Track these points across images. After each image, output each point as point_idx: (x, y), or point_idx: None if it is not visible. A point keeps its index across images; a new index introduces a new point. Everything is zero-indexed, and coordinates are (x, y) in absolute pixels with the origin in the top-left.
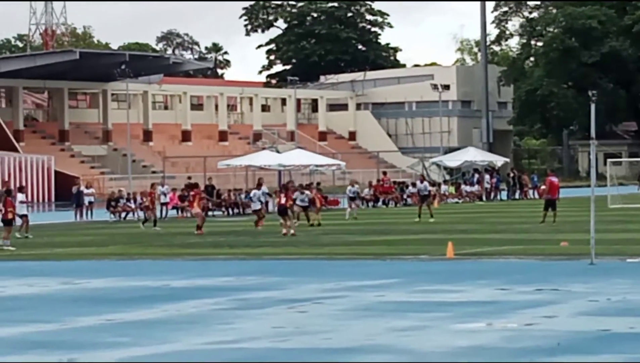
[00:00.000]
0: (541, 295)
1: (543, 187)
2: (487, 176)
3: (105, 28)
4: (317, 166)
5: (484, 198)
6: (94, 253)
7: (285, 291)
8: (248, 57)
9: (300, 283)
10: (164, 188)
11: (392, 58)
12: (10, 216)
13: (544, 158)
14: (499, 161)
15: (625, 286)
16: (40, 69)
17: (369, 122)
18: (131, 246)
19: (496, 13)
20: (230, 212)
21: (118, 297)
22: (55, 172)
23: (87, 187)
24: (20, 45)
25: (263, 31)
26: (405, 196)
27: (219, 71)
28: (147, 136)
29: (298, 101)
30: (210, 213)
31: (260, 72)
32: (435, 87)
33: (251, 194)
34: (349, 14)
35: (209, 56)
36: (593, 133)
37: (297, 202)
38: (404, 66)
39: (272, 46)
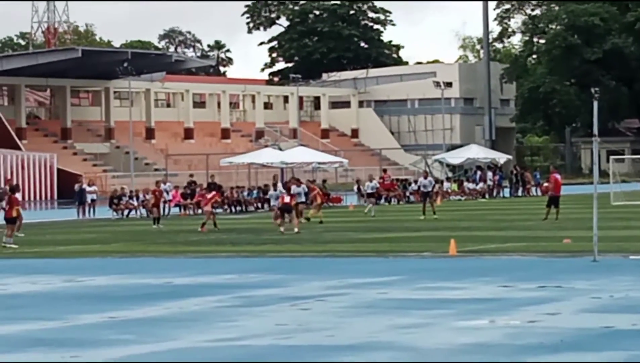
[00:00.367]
0: (544, 292)
1: (546, 184)
2: (489, 174)
3: (107, 26)
4: (319, 163)
5: (486, 196)
6: (96, 250)
7: (288, 289)
8: (250, 54)
9: (303, 280)
10: (166, 185)
11: (394, 56)
12: (14, 214)
13: (547, 155)
14: (501, 158)
15: (628, 283)
16: (42, 67)
17: (371, 119)
18: (134, 243)
19: (498, 10)
20: (233, 210)
21: (121, 295)
22: (58, 170)
23: (89, 185)
24: (23, 43)
25: (265, 29)
26: (408, 194)
27: (222, 69)
28: (150, 133)
29: (300, 98)
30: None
31: (262, 69)
32: (437, 84)
33: (268, 195)
34: (351, 12)
35: (211, 53)
36: (595, 130)
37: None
38: (406, 63)
39: (275, 43)
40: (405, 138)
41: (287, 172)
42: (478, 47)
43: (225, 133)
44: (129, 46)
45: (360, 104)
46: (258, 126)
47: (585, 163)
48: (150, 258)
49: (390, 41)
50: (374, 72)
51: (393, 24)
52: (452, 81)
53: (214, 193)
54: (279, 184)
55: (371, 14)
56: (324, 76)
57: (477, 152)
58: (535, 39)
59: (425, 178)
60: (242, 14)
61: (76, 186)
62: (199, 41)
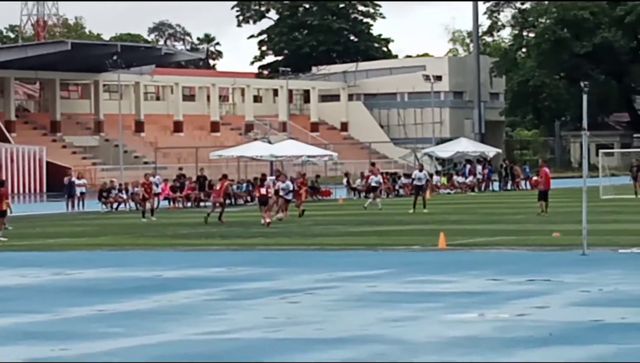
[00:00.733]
0: (533, 286)
1: (535, 178)
2: (479, 167)
3: (97, 19)
4: (309, 156)
5: (476, 189)
6: (85, 243)
7: (277, 282)
8: (240, 48)
9: (292, 273)
10: (155, 178)
11: (384, 49)
12: (4, 207)
13: (536, 149)
14: (491, 152)
15: (617, 277)
16: (31, 59)
17: (360, 113)
18: (123, 236)
19: (488, 4)
20: None
21: (110, 288)
22: (47, 163)
23: (78, 178)
24: (12, 36)
25: (255, 22)
26: (397, 187)
27: (211, 62)
28: (139, 126)
29: (290, 91)
30: (201, 203)
31: (252, 63)
32: (427, 78)
33: (276, 187)
34: (341, 5)
35: (201, 46)
36: (585, 124)
37: (281, 193)
38: (396, 56)
39: (264, 36)
40: (394, 132)
41: (277, 165)
42: (468, 40)
43: (215, 126)
44: (119, 39)
45: (350, 97)
46: (247, 119)
47: (575, 157)
48: (140, 251)
49: (380, 35)
50: (363, 65)
51: (383, 18)
52: (441, 75)
53: (222, 182)
54: (287, 180)
55: (361, 8)
56: (314, 69)
57: (467, 145)
58: (524, 33)
59: (421, 171)
60: (232, 8)
61: (65, 179)
62: (188, 34)
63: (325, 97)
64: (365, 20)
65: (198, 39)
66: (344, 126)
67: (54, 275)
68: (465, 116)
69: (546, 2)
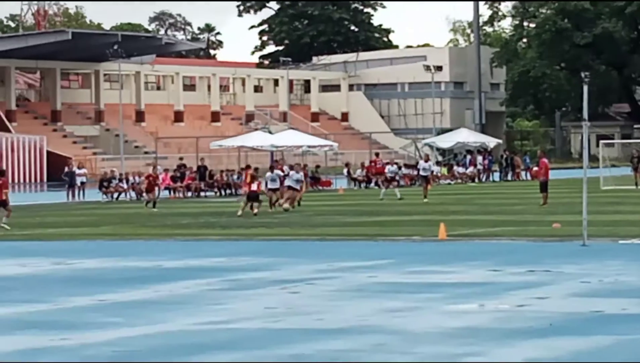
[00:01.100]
0: (533, 277)
1: (536, 169)
2: (479, 158)
3: (97, 8)
4: (309, 147)
5: (476, 180)
6: (86, 233)
7: (278, 272)
8: (241, 38)
9: (292, 263)
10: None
11: (384, 39)
12: (3, 197)
13: (537, 140)
14: (491, 142)
15: (617, 268)
16: (32, 49)
17: (361, 103)
18: (123, 226)
19: None
20: (223, 193)
21: (110, 277)
22: (48, 152)
23: (79, 167)
24: (13, 25)
25: (256, 12)
26: (397, 178)
27: (212, 52)
28: (140, 116)
29: (290, 81)
30: (202, 193)
31: (252, 53)
32: (427, 68)
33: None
34: None
35: (201, 36)
36: (585, 115)
37: (268, 185)
38: (396, 47)
39: (265, 26)
40: (395, 122)
41: (277, 155)
42: (468, 31)
43: (216, 116)
44: (119, 29)
45: (351, 87)
46: (248, 109)
47: (575, 148)
48: (140, 241)
49: (381, 25)
50: (364, 55)
51: (383, 7)
52: (442, 65)
53: (247, 172)
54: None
55: None
56: (314, 59)
57: (467, 136)
58: (525, 23)
59: (426, 161)
60: None
61: (66, 169)
62: (189, 24)
63: (325, 88)
64: (365, 10)
65: (199, 28)
66: (345, 116)
67: (54, 265)
68: (465, 106)
69: None
